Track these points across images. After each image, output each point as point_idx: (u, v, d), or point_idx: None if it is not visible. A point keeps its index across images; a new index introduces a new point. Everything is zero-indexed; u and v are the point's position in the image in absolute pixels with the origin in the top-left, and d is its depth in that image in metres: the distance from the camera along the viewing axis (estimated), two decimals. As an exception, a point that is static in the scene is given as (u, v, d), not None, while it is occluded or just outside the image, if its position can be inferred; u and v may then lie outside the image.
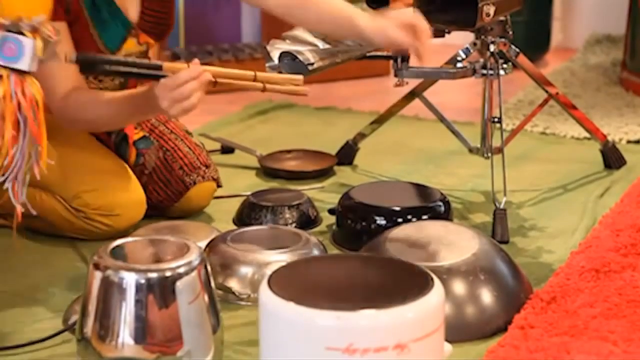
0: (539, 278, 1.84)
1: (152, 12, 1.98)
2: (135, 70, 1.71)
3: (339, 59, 2.16)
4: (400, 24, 1.82)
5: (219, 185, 2.21)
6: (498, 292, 1.65)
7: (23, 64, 1.40)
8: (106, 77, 1.96)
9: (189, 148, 2.15)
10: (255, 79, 1.75)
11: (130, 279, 1.39)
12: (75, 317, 1.53)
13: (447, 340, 1.35)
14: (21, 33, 1.40)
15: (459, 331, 1.57)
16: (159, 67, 1.70)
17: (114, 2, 1.91)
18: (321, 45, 2.17)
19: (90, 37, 1.89)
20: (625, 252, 1.93)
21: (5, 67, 1.40)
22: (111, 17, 1.90)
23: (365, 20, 1.85)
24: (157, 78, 1.71)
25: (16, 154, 1.42)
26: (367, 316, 1.24)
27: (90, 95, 1.87)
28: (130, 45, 1.98)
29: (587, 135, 2.64)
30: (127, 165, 2.09)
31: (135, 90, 1.84)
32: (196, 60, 1.71)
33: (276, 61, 2.18)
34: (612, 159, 2.55)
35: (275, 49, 2.20)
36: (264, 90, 1.76)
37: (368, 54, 2.28)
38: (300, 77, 1.77)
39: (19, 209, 1.44)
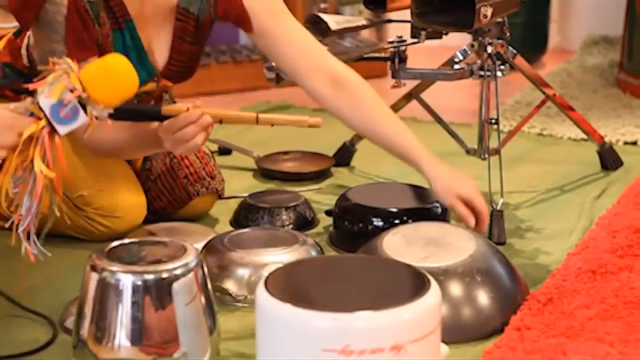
0: (535, 279, 1.84)
1: (178, 63, 1.97)
2: (133, 113, 1.72)
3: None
4: (462, 195, 1.87)
5: (220, 197, 2.21)
6: (494, 294, 1.65)
7: (64, 130, 1.42)
8: None
9: (196, 157, 2.15)
10: (257, 122, 1.74)
11: (127, 281, 1.39)
12: (71, 319, 1.53)
13: (443, 341, 1.35)
14: (82, 103, 1.43)
15: (455, 332, 1.57)
16: (158, 112, 1.70)
17: (144, 49, 1.91)
18: (318, 47, 2.17)
19: None
20: (621, 253, 1.93)
21: (45, 117, 1.41)
22: (138, 62, 1.90)
23: (433, 170, 1.90)
24: (160, 120, 1.72)
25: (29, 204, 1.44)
26: (364, 317, 1.23)
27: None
28: (149, 86, 1.98)
29: (584, 136, 2.64)
30: (131, 169, 2.09)
31: (147, 127, 1.81)
32: (197, 103, 1.71)
33: (273, 63, 2.19)
34: (609, 160, 2.56)
35: (273, 51, 2.20)
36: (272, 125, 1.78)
37: (365, 55, 2.29)
38: (305, 118, 1.76)
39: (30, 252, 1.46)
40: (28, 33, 1.94)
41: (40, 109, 1.40)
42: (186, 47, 1.95)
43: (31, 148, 1.41)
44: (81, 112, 1.42)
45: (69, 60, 1.43)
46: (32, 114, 1.42)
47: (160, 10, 1.90)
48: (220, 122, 1.73)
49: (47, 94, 1.40)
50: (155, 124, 1.75)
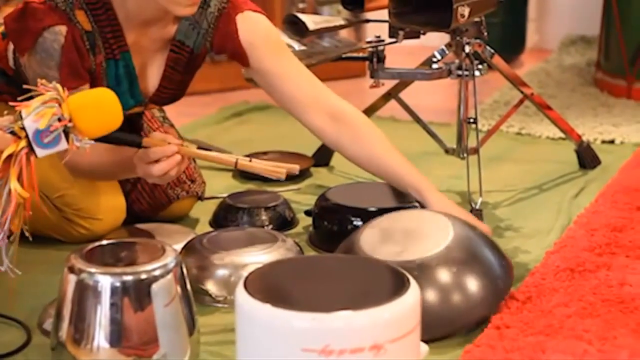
0: (514, 278, 1.84)
1: (168, 91, 1.97)
2: (115, 141, 1.72)
3: (314, 60, 2.17)
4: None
5: (200, 199, 2.21)
6: (476, 283, 1.64)
7: (42, 153, 1.45)
8: None
9: None
10: (236, 166, 1.75)
11: (105, 282, 1.39)
12: (50, 321, 1.52)
13: (424, 340, 1.35)
14: (65, 132, 1.45)
15: (434, 328, 1.57)
16: (139, 144, 1.71)
17: (137, 80, 1.91)
18: (297, 46, 2.18)
19: None
20: (600, 251, 1.94)
21: (27, 138, 1.43)
22: (129, 91, 1.90)
23: (434, 197, 1.89)
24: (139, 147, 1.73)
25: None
26: (343, 317, 1.23)
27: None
28: (135, 109, 1.98)
29: (562, 135, 2.66)
30: None
31: (125, 152, 1.81)
32: (176, 141, 1.72)
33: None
34: (587, 159, 2.57)
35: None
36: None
37: (344, 55, 2.29)
38: (283, 171, 1.75)
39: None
40: None
41: (24, 130, 1.42)
42: (177, 76, 1.95)
43: (10, 167, 1.42)
44: (63, 139, 1.45)
45: (59, 87, 1.45)
46: (12, 132, 1.43)
47: (157, 41, 1.90)
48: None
49: (34, 118, 1.42)
50: (133, 150, 1.76)
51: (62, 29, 1.77)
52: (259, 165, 1.76)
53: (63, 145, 1.45)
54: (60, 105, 1.44)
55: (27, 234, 1.49)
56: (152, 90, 1.95)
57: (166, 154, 1.70)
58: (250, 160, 1.76)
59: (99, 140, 1.54)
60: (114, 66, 1.87)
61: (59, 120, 1.43)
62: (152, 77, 1.94)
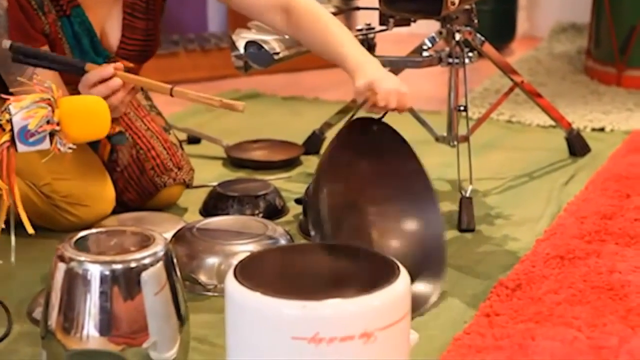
0: (504, 265, 1.85)
1: (133, 41, 1.95)
2: (60, 66, 1.74)
3: (304, 49, 2.16)
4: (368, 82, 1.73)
5: (188, 186, 2.20)
6: None
7: (23, 149, 1.48)
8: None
9: (164, 147, 2.13)
10: (171, 94, 1.73)
11: (94, 271, 1.38)
12: (39, 310, 1.52)
13: (413, 328, 1.36)
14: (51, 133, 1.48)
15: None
16: (82, 68, 1.72)
17: (96, 34, 1.88)
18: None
19: None
20: (589, 239, 1.94)
21: (12, 132, 1.45)
22: (91, 48, 1.89)
23: (360, 69, 1.77)
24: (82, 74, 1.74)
25: None
26: (333, 305, 1.23)
27: None
28: None
29: (553, 123, 2.66)
30: (99, 159, 2.08)
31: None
32: (118, 65, 1.73)
33: (242, 51, 2.18)
34: (577, 146, 2.57)
35: (241, 39, 2.19)
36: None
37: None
38: (217, 99, 1.70)
39: None
40: None
41: (10, 124, 1.42)
42: (139, 23, 1.92)
43: None
44: (47, 140, 1.47)
45: (54, 87, 1.45)
46: None
47: None
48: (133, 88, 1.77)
49: (24, 115, 1.44)
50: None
51: None
52: (194, 94, 1.73)
53: (46, 145, 1.47)
54: (52, 107, 1.45)
55: (28, 228, 1.50)
56: (116, 45, 1.93)
57: (102, 75, 1.70)
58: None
59: (46, 63, 1.61)
60: (69, 24, 1.84)
61: (48, 122, 1.44)
62: (112, 29, 1.92)
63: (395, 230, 1.73)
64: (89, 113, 1.52)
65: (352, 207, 1.73)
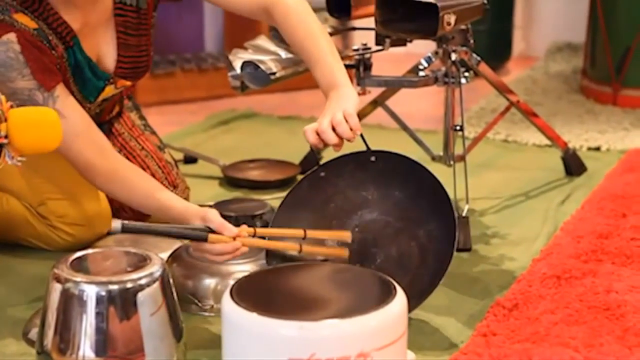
0: (501, 285, 1.85)
1: (128, 59, 1.94)
2: (179, 234, 1.68)
3: (301, 68, 2.17)
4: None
5: None
6: None
7: None
8: (85, 108, 1.90)
9: (158, 166, 2.13)
10: (300, 251, 1.71)
11: (90, 291, 1.38)
12: (35, 330, 1.51)
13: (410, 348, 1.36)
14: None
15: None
16: (205, 239, 1.65)
17: (92, 60, 1.88)
18: (284, 54, 2.18)
19: (72, 94, 1.83)
20: (586, 258, 1.94)
21: None
22: (92, 74, 1.88)
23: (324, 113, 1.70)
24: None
25: None
26: (330, 326, 1.23)
27: (140, 180, 1.80)
28: (108, 91, 1.95)
29: (549, 142, 2.66)
30: None
31: (177, 207, 1.74)
32: (243, 233, 1.67)
33: (238, 71, 2.18)
34: (573, 166, 2.58)
35: (238, 59, 2.20)
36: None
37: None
38: (346, 251, 1.72)
39: None
40: None
41: None
42: (132, 40, 1.93)
43: None
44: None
45: (3, 99, 1.44)
46: None
47: (103, 13, 1.88)
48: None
49: None
50: (186, 212, 1.71)
51: (11, 36, 1.71)
52: (321, 249, 1.73)
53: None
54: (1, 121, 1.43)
55: None
56: (113, 64, 1.93)
57: (228, 250, 1.66)
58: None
59: (165, 234, 1.62)
60: (72, 54, 1.84)
61: None
62: (109, 51, 1.91)
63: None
64: (38, 125, 1.48)
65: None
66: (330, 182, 1.79)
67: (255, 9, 1.88)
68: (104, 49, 1.90)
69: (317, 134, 1.65)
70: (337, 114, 1.65)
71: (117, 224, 1.56)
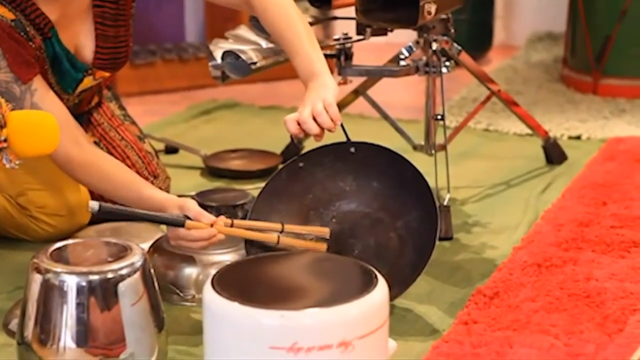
0: (482, 273, 1.85)
1: (107, 50, 1.93)
2: (156, 218, 1.67)
3: (282, 58, 2.16)
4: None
5: None
6: None
7: None
8: (63, 100, 1.88)
9: (139, 157, 2.13)
10: (277, 243, 1.70)
11: (71, 282, 1.38)
12: (15, 321, 1.51)
13: (391, 337, 1.36)
14: None
15: None
16: (182, 224, 1.64)
17: (70, 51, 1.87)
18: (264, 44, 2.17)
19: (50, 85, 1.83)
20: (566, 246, 1.95)
21: None
22: (70, 66, 1.87)
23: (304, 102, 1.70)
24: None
25: None
26: (311, 314, 1.24)
27: (118, 172, 1.80)
28: (87, 83, 1.94)
29: (529, 131, 2.67)
30: None
31: (155, 197, 1.73)
32: (220, 222, 1.66)
33: (219, 60, 2.18)
34: (554, 154, 2.59)
35: (219, 48, 2.19)
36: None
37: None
38: (324, 246, 1.72)
39: None
40: None
41: None
42: (110, 31, 1.92)
43: None
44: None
45: (2, 102, 1.43)
46: None
47: (81, 4, 1.86)
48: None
49: None
50: (164, 200, 1.71)
51: None
52: (300, 241, 1.72)
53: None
54: (0, 125, 1.43)
55: None
56: (91, 55, 1.92)
57: (204, 237, 1.65)
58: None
59: (139, 218, 1.62)
60: (51, 45, 1.82)
61: None
62: (87, 42, 1.90)
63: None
64: (37, 128, 1.49)
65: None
66: (309, 172, 1.79)
67: (235, 2, 1.88)
68: (82, 40, 1.89)
69: (298, 124, 1.65)
70: (318, 104, 1.65)
71: (94, 204, 1.55)
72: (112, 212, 1.61)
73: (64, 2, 1.82)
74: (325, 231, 1.74)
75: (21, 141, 1.47)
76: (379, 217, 1.76)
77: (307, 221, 1.77)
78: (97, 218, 2.06)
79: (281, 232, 1.71)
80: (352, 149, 1.77)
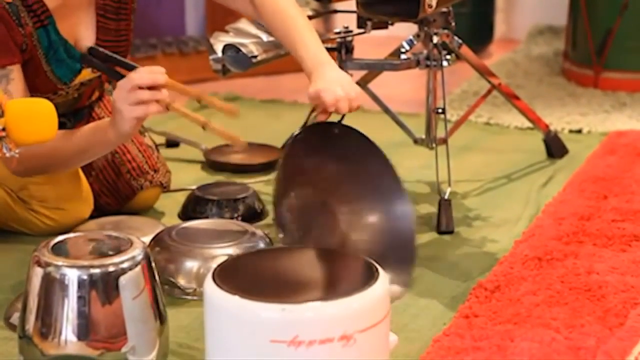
0: (483, 267, 1.85)
1: (107, 43, 1.92)
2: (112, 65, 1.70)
3: (283, 51, 2.16)
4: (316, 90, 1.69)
5: (164, 189, 2.18)
6: None
7: None
8: (61, 91, 1.90)
9: (139, 150, 2.13)
10: (204, 127, 1.74)
11: (72, 275, 1.38)
12: (17, 315, 1.51)
13: (392, 330, 1.36)
14: None
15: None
16: (134, 67, 1.66)
17: (68, 41, 1.86)
18: (265, 37, 2.17)
19: (44, 73, 1.83)
20: (567, 240, 1.95)
21: None
22: (67, 56, 1.87)
23: (318, 79, 1.72)
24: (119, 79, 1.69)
25: None
26: (312, 308, 1.24)
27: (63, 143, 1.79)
28: (85, 75, 1.94)
29: (530, 125, 2.67)
30: None
31: (88, 124, 1.77)
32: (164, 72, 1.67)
33: (220, 54, 2.17)
34: (555, 148, 2.59)
35: (219, 42, 2.19)
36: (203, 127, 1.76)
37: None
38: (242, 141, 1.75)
39: None
40: None
41: None
42: (111, 24, 1.91)
43: None
44: None
45: (1, 93, 1.42)
46: None
47: None
48: (167, 107, 1.71)
49: None
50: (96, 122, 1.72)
51: None
52: (221, 130, 1.74)
53: None
54: None
55: None
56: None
57: (154, 81, 1.64)
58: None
59: (95, 56, 1.63)
60: (46, 34, 1.81)
61: None
62: (87, 34, 1.90)
63: (365, 226, 1.71)
64: (35, 116, 1.48)
65: (322, 208, 1.71)
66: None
67: (241, 2, 1.89)
68: (82, 31, 1.89)
69: (335, 101, 1.65)
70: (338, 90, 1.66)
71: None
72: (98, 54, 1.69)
73: None
74: (241, 142, 1.76)
75: (20, 129, 1.46)
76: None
77: None
78: (98, 212, 2.06)
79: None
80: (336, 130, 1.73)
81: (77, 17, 1.87)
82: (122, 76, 1.71)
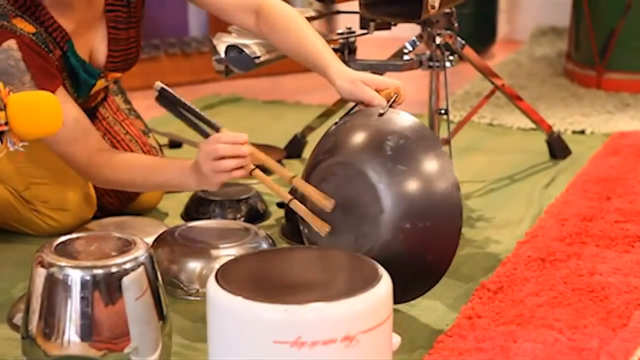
0: (486, 268, 1.85)
1: (119, 52, 1.93)
2: (195, 120, 1.73)
3: (285, 52, 2.16)
4: (362, 79, 1.75)
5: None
6: None
7: None
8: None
9: (143, 151, 2.13)
10: (290, 181, 1.70)
11: (75, 276, 1.38)
12: (20, 315, 1.51)
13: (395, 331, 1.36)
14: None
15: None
16: (218, 130, 1.69)
17: (86, 61, 1.87)
18: (268, 38, 2.17)
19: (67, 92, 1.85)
20: (570, 241, 1.95)
21: None
22: (87, 75, 1.88)
23: (339, 76, 1.76)
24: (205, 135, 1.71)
25: None
26: (315, 309, 1.23)
27: (122, 157, 1.83)
28: (99, 85, 1.95)
29: (533, 126, 2.67)
30: None
31: (170, 160, 1.78)
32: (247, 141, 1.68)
33: (222, 55, 2.18)
34: (558, 149, 2.59)
35: (222, 43, 2.19)
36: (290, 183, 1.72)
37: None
38: (332, 202, 1.63)
39: None
40: None
41: None
42: (122, 34, 1.92)
43: None
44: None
45: (1, 85, 1.43)
46: None
47: (96, 10, 1.87)
48: (251, 173, 1.70)
49: None
50: (179, 161, 1.75)
51: (11, 43, 1.71)
52: (310, 187, 1.68)
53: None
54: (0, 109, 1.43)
55: None
56: (104, 59, 1.92)
57: (237, 153, 1.65)
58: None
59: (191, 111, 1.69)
60: (66, 59, 1.84)
61: None
62: (100, 47, 1.91)
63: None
64: (38, 110, 1.48)
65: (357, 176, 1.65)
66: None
67: (241, 9, 1.90)
68: (96, 45, 1.90)
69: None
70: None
71: (159, 84, 1.70)
72: (170, 98, 1.72)
73: (80, 11, 1.83)
74: (327, 204, 1.64)
75: (23, 123, 1.45)
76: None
77: None
78: (100, 213, 2.07)
79: (291, 182, 1.69)
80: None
81: (92, 33, 1.89)
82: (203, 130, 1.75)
